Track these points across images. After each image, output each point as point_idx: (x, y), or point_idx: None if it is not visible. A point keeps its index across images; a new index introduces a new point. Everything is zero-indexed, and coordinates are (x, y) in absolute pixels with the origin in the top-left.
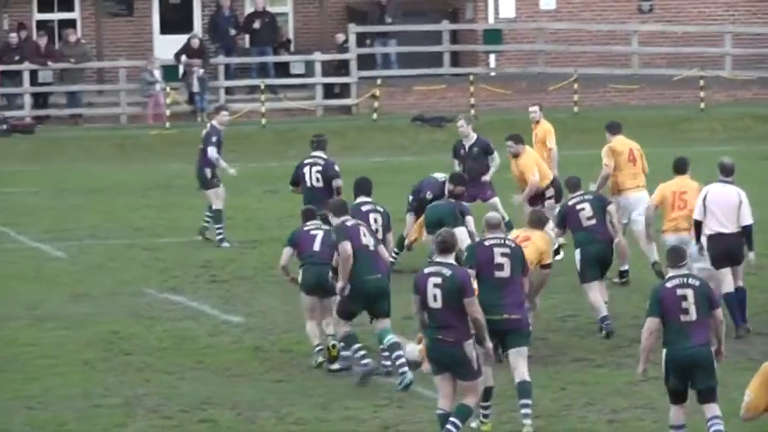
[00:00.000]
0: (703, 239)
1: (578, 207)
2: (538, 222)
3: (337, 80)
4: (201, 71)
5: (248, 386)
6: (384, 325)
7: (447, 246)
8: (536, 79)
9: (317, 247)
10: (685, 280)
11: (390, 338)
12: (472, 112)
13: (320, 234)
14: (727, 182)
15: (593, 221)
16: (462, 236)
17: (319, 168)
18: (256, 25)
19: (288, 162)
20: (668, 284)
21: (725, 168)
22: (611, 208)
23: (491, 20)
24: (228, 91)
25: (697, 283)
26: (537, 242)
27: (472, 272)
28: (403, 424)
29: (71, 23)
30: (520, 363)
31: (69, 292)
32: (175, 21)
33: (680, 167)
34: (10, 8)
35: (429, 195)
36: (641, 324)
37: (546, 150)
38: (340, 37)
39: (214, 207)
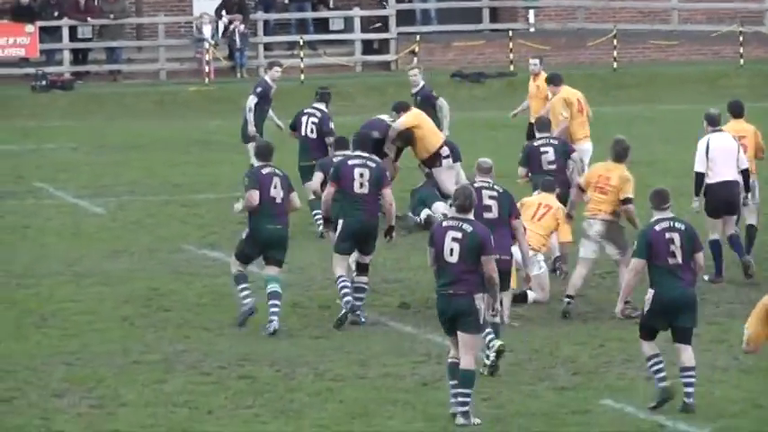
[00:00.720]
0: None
1: (542, 150)
2: (551, 187)
3: (376, 36)
4: (243, 27)
5: (287, 342)
6: (272, 272)
7: (465, 205)
8: (575, 35)
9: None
10: (672, 224)
11: (274, 287)
12: (511, 68)
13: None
14: (721, 130)
15: (554, 166)
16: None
17: (315, 120)
18: None
19: None
20: (657, 227)
21: (713, 119)
22: (576, 156)
23: None
24: (267, 47)
25: (683, 226)
26: (556, 212)
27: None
28: (441, 380)
29: None
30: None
31: (108, 249)
32: None
33: (736, 111)
34: None
35: (376, 135)
36: None
37: (545, 103)
38: None
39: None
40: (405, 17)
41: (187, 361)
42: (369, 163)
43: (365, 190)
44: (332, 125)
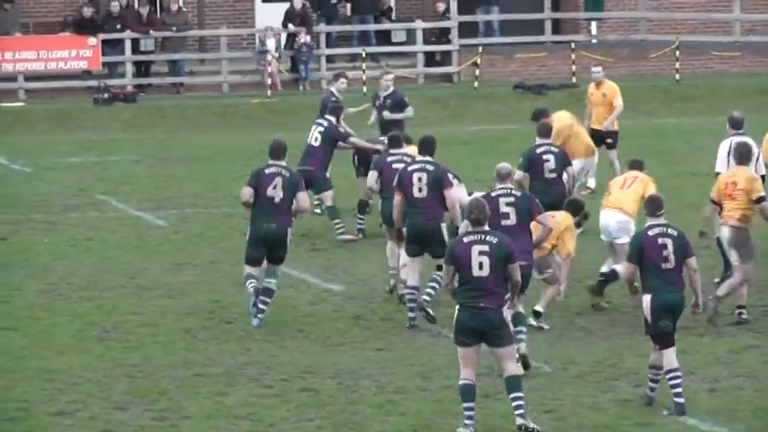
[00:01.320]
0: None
1: (544, 157)
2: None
3: (439, 48)
4: (308, 38)
5: (349, 355)
6: (270, 268)
7: (479, 218)
8: (637, 46)
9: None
10: (665, 229)
11: (268, 282)
12: (573, 79)
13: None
14: (743, 134)
15: (554, 175)
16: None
17: (321, 130)
18: None
19: None
20: (650, 233)
21: (737, 122)
22: (570, 169)
23: None
24: (330, 59)
25: (675, 232)
26: (643, 179)
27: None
28: (503, 393)
29: None
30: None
31: (170, 261)
32: None
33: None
34: None
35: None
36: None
37: (611, 109)
38: (441, 5)
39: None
40: (467, 29)
41: (249, 373)
42: (427, 166)
43: (423, 194)
44: (341, 130)
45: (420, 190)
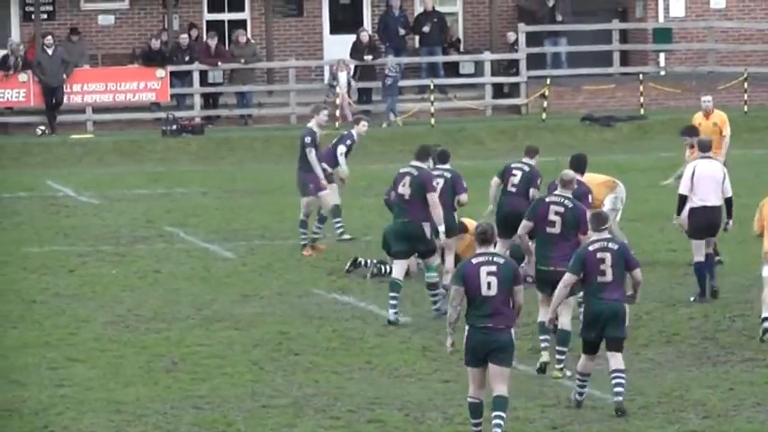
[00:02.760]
0: (684, 214)
1: (514, 171)
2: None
3: (507, 80)
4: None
5: (416, 386)
6: (428, 262)
7: (487, 237)
8: (706, 78)
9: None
10: (606, 244)
11: (428, 277)
12: (641, 111)
13: (441, 183)
14: (710, 157)
15: (515, 189)
16: None
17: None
18: (425, 28)
19: (457, 161)
20: (590, 248)
21: (704, 145)
22: (534, 192)
23: (661, 19)
24: (399, 91)
25: (615, 246)
26: None
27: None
28: (572, 424)
29: (241, 24)
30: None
31: (238, 293)
32: (345, 20)
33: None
34: (180, 8)
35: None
36: None
37: (721, 138)
38: (510, 36)
39: (333, 203)
40: (535, 60)
41: (316, 405)
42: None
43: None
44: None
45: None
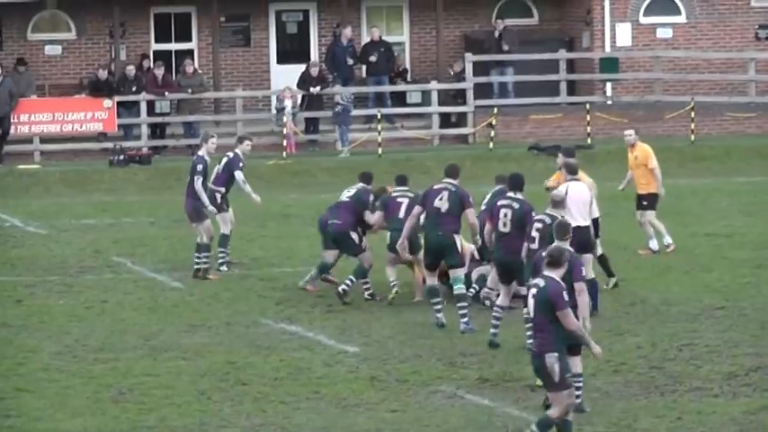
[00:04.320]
0: None
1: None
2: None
3: (454, 109)
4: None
5: (364, 416)
6: (454, 274)
7: (553, 260)
8: (653, 107)
9: (401, 214)
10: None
11: (459, 287)
12: (588, 140)
13: (406, 201)
14: (578, 179)
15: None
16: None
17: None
18: (372, 58)
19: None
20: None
21: (572, 168)
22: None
23: (608, 48)
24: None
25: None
26: None
27: None
28: None
29: (188, 54)
30: None
31: (185, 323)
32: (292, 50)
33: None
34: (127, 38)
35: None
36: (758, 353)
37: (648, 171)
38: (456, 66)
39: (222, 232)
40: (482, 90)
41: None
42: (514, 204)
43: (507, 229)
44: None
45: (505, 225)
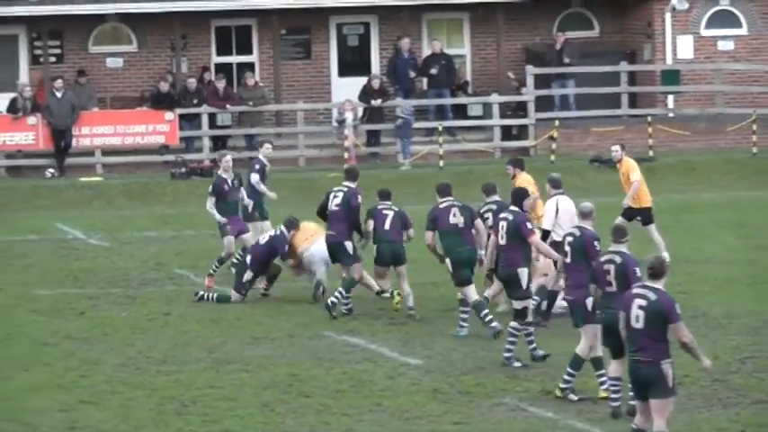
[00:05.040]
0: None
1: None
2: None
3: (515, 122)
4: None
5: (427, 429)
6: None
7: (655, 272)
8: (714, 120)
9: (387, 226)
10: (612, 257)
11: (476, 300)
12: (650, 153)
13: (391, 214)
14: (563, 193)
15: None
16: None
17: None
18: (434, 70)
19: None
20: (601, 258)
21: (556, 182)
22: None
23: (669, 61)
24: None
25: (619, 260)
26: None
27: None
28: None
29: (250, 66)
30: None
31: (248, 335)
32: (353, 63)
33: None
34: (188, 51)
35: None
36: None
37: (629, 184)
38: (516, 83)
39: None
40: (543, 103)
41: None
42: (508, 216)
43: (503, 240)
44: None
45: (502, 237)
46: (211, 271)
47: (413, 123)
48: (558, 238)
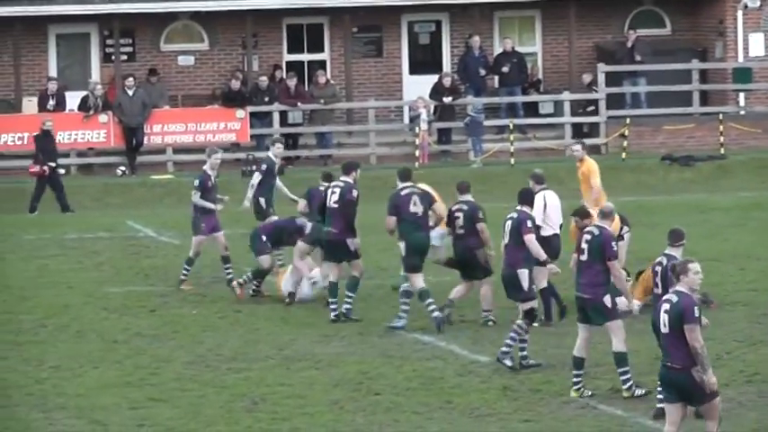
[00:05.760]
0: None
1: (456, 214)
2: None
3: (586, 120)
4: (475, 110)
5: (497, 426)
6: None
7: (675, 273)
8: None
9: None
10: (662, 260)
11: (421, 288)
12: (721, 150)
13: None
14: (547, 188)
15: (463, 231)
16: None
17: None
18: (505, 68)
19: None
20: (654, 266)
21: (539, 178)
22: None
23: (740, 58)
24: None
25: (666, 263)
26: None
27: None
28: None
29: (321, 64)
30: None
31: (318, 333)
32: (425, 61)
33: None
34: (260, 49)
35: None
36: None
37: (589, 188)
38: (585, 78)
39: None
40: (614, 100)
41: None
42: (513, 214)
43: (506, 239)
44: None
45: (504, 236)
46: (182, 276)
47: (482, 121)
48: (548, 234)
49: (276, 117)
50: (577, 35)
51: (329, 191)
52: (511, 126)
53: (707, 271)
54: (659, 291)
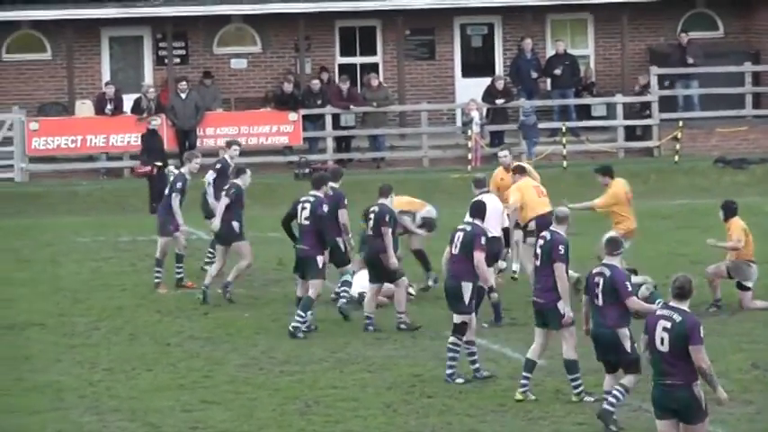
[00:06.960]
0: None
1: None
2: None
3: (639, 122)
4: (526, 112)
5: (549, 429)
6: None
7: (683, 292)
8: None
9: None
10: (602, 269)
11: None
12: None
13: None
14: (488, 192)
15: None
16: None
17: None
18: (557, 71)
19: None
20: (593, 270)
21: (481, 182)
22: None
23: None
24: (537, 134)
25: (608, 273)
26: None
27: None
28: None
29: (373, 67)
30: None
31: (371, 336)
32: (477, 64)
33: None
34: (312, 52)
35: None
36: None
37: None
38: (642, 79)
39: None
40: (667, 103)
41: None
42: (466, 227)
43: (456, 251)
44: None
45: (456, 247)
46: (156, 279)
47: (535, 123)
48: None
49: (329, 120)
50: (630, 38)
51: (299, 206)
52: (563, 129)
53: (760, 273)
54: (600, 302)
